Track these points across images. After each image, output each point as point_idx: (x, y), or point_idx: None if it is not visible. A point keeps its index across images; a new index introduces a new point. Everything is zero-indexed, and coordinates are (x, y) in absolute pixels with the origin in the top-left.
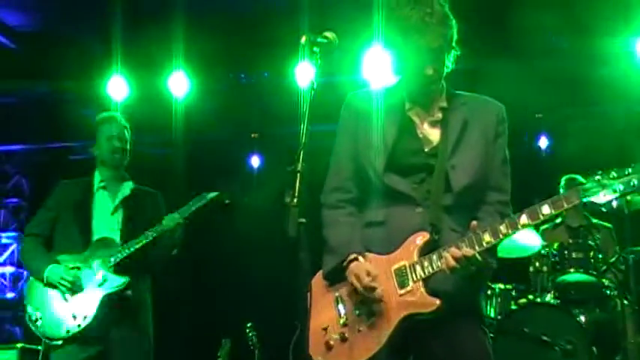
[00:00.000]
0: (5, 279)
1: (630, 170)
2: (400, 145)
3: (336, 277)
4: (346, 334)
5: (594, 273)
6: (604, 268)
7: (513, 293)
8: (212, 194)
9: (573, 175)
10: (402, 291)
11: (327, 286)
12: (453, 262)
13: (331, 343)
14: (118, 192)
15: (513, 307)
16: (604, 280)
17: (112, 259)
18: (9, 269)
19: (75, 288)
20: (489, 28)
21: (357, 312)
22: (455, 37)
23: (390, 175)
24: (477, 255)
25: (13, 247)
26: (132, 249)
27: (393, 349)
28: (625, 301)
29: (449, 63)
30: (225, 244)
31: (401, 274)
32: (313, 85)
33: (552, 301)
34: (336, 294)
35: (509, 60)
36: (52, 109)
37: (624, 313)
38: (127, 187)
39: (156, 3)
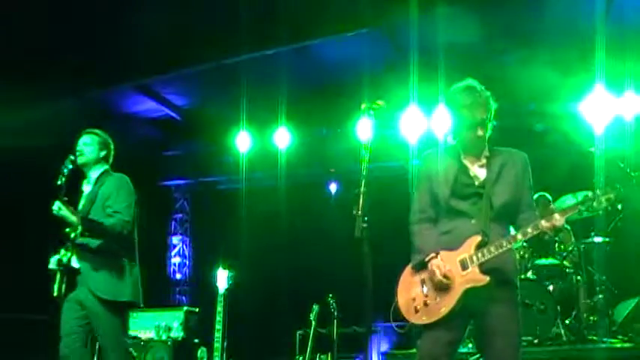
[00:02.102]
0: (176, 265)
1: (590, 195)
2: (459, 180)
3: (420, 267)
4: (427, 302)
5: (558, 257)
6: (565, 254)
7: None
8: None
9: (543, 193)
10: (464, 272)
11: (413, 273)
12: (556, 224)
13: (418, 308)
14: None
15: None
16: (565, 262)
17: None
18: (177, 259)
19: None
20: None
21: (434, 288)
22: (493, 112)
23: (453, 200)
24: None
25: (180, 245)
26: None
27: (458, 312)
28: (578, 277)
29: (489, 129)
30: (315, 242)
31: (463, 262)
32: (370, 137)
33: (531, 277)
34: (422, 277)
35: None
36: (202, 156)
37: (578, 284)
38: (90, 185)
39: (267, 85)
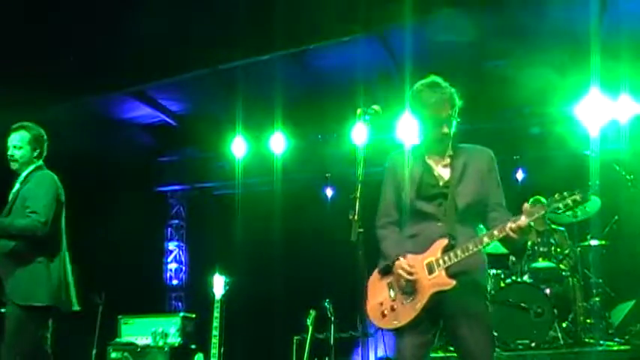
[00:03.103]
0: (172, 271)
1: (566, 194)
2: (423, 181)
3: (387, 271)
4: (395, 307)
5: (554, 261)
6: (561, 257)
7: (502, 276)
8: None
9: (537, 197)
10: (431, 276)
11: (380, 277)
12: (522, 224)
13: (385, 312)
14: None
15: (502, 285)
16: (561, 265)
17: None
18: (174, 265)
19: None
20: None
21: (402, 292)
22: (457, 110)
23: (419, 202)
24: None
25: (176, 251)
26: None
27: (425, 316)
28: (575, 279)
29: (454, 126)
30: (311, 247)
31: (430, 266)
32: (366, 142)
33: (528, 280)
34: (388, 281)
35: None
36: (198, 161)
37: (574, 287)
38: (18, 182)
39: (262, 90)
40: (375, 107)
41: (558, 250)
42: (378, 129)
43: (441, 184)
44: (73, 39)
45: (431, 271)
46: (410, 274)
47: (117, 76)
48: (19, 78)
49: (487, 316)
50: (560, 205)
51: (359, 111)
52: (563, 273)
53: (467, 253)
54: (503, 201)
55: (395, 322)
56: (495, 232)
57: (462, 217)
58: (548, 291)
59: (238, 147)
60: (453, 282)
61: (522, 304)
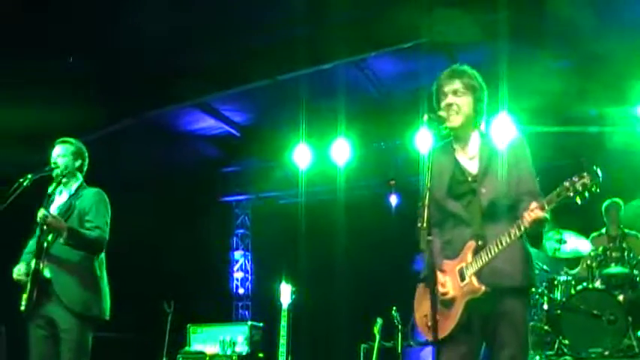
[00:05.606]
0: (238, 280)
1: (567, 183)
2: (453, 178)
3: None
4: (436, 318)
5: (628, 266)
6: (634, 262)
7: (573, 282)
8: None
9: (614, 199)
10: (462, 284)
11: (424, 287)
12: (535, 217)
13: (429, 324)
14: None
15: (573, 291)
16: (635, 271)
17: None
18: (240, 274)
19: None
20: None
21: (441, 303)
22: (483, 99)
23: (449, 201)
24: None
25: (242, 260)
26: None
27: (466, 323)
28: None
29: (480, 115)
30: (377, 255)
31: (461, 272)
32: (432, 147)
33: (600, 286)
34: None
35: None
36: (262, 172)
37: None
38: (67, 194)
39: (325, 99)
40: (441, 113)
41: (632, 255)
42: (443, 135)
43: (469, 179)
44: (136, 54)
45: (462, 277)
46: (444, 293)
47: (181, 88)
48: (84, 95)
49: (524, 316)
50: (570, 193)
51: (425, 117)
52: (637, 279)
53: (490, 256)
54: (536, 188)
55: (437, 335)
56: (512, 231)
57: (491, 215)
58: (621, 297)
59: (302, 156)
60: (483, 288)
61: (594, 312)
